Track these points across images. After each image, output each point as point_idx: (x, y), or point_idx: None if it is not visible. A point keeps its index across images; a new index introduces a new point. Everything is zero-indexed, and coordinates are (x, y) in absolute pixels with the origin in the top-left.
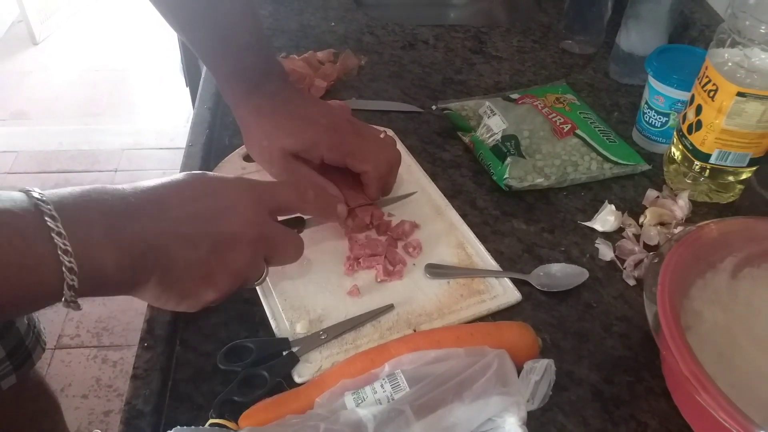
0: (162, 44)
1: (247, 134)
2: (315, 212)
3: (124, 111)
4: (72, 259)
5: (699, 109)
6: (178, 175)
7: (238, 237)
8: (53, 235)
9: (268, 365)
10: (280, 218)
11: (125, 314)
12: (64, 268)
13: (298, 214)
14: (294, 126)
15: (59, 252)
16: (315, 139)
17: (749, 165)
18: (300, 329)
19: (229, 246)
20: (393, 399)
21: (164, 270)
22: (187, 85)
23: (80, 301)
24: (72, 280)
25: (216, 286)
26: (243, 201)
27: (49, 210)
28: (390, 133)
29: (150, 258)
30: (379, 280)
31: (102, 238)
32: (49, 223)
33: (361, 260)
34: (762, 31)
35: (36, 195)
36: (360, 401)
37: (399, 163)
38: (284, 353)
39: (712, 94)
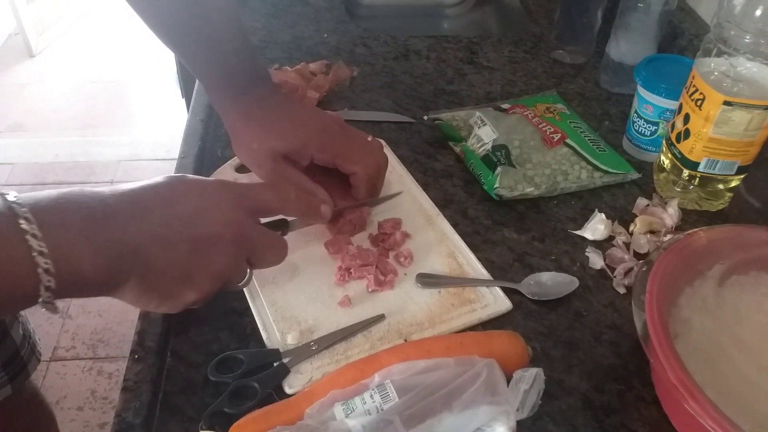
0: (158, 56)
1: (236, 139)
2: (297, 213)
3: (120, 122)
4: (48, 261)
5: (687, 118)
6: (158, 178)
7: (217, 237)
8: (28, 237)
9: (258, 376)
10: (263, 221)
11: (121, 326)
12: (40, 270)
13: (281, 216)
14: (283, 127)
15: (34, 253)
16: (305, 140)
17: (737, 173)
18: (291, 340)
19: (209, 247)
20: (382, 409)
21: (143, 271)
22: (183, 97)
23: (74, 314)
24: (48, 281)
25: (196, 287)
26: (222, 202)
27: (24, 212)
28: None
29: (128, 259)
30: (370, 290)
31: (79, 240)
32: (23, 225)
33: (352, 270)
34: (747, 40)
35: (10, 198)
36: (349, 412)
37: (386, 165)
38: (275, 364)
39: (699, 103)
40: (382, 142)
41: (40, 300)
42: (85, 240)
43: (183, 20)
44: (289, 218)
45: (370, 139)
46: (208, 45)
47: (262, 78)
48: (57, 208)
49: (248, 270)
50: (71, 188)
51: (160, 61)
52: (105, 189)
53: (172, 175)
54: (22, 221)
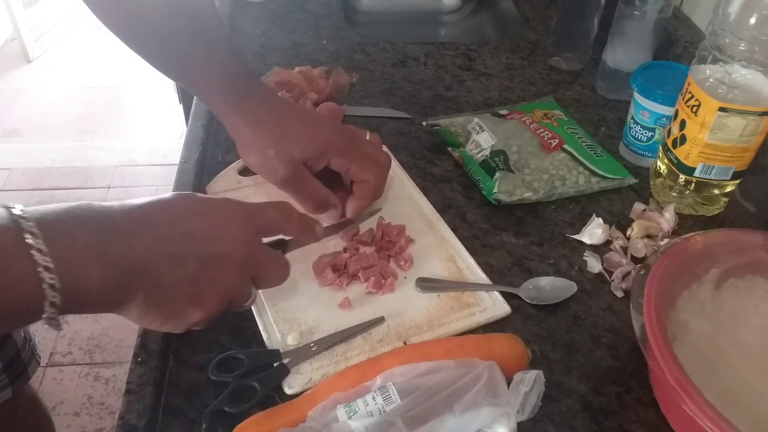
0: None
1: (244, 144)
2: (298, 233)
3: (117, 128)
4: (54, 276)
5: (683, 124)
6: (166, 195)
7: (226, 257)
8: (33, 251)
9: (258, 376)
10: (263, 241)
11: (118, 331)
12: (45, 285)
13: (281, 236)
14: (299, 133)
15: (40, 269)
16: (324, 145)
17: (733, 178)
18: (291, 341)
19: (218, 265)
20: (384, 411)
21: (150, 288)
22: (180, 102)
23: (70, 319)
24: (54, 296)
25: (203, 306)
26: (231, 221)
27: (30, 227)
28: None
29: (136, 275)
30: (367, 291)
31: (86, 255)
32: (28, 240)
33: (360, 274)
34: (741, 48)
35: (17, 212)
36: (352, 414)
37: (390, 164)
38: (275, 365)
39: (695, 109)
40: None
41: (44, 316)
42: (93, 255)
43: (178, 31)
44: (287, 238)
45: (368, 137)
46: (206, 50)
47: (256, 80)
48: (64, 222)
49: (253, 289)
50: (80, 202)
51: None
52: (114, 204)
53: (180, 192)
54: (27, 236)
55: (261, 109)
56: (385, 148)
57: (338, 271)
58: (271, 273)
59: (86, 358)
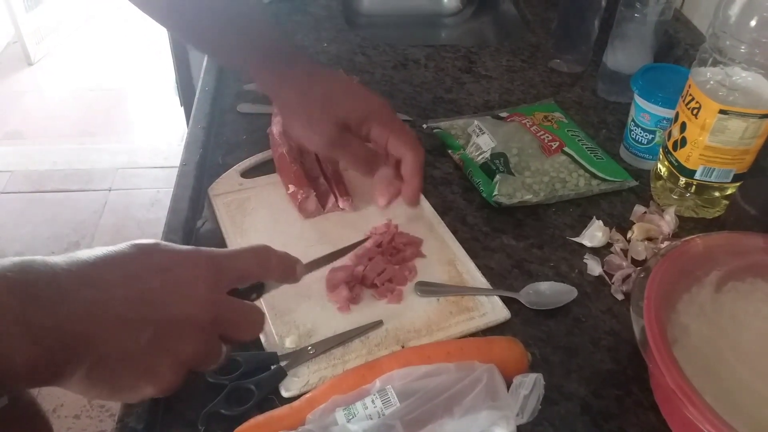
0: (156, 64)
1: (292, 113)
2: (276, 277)
3: (118, 130)
4: None
5: (683, 127)
6: (125, 247)
7: (188, 322)
8: None
9: (255, 379)
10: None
11: None
12: None
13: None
14: (346, 98)
15: None
16: (367, 112)
17: (733, 180)
18: (289, 344)
19: (177, 334)
20: (384, 414)
21: (94, 363)
22: (181, 105)
23: None
24: None
25: (158, 380)
26: (198, 277)
27: None
28: None
29: (75, 350)
30: (376, 297)
31: (12, 330)
32: None
33: (375, 281)
34: (742, 50)
35: None
36: (351, 417)
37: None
38: (272, 367)
39: (695, 111)
40: None
41: None
42: (21, 330)
43: (219, 12)
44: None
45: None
46: (248, 25)
47: (300, 52)
48: None
49: (223, 348)
50: (21, 260)
51: (159, 69)
52: (60, 260)
53: (141, 242)
54: None
55: (307, 79)
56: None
57: (352, 285)
58: (243, 331)
59: None
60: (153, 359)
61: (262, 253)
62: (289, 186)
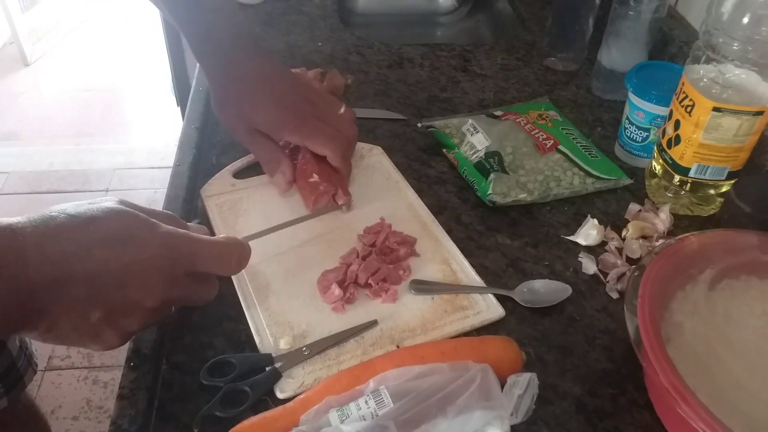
0: (153, 64)
1: (217, 98)
2: (232, 272)
3: (115, 131)
4: None
5: (677, 124)
6: (94, 210)
7: (139, 305)
8: None
9: (250, 381)
10: None
11: None
12: None
13: None
14: (259, 102)
15: None
16: (278, 123)
17: (728, 178)
18: (284, 345)
19: (127, 313)
20: (377, 415)
21: (48, 328)
22: (178, 105)
23: None
24: None
25: (104, 343)
26: (155, 264)
27: None
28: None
29: (33, 319)
30: (370, 296)
31: None
32: None
33: (369, 281)
34: (735, 47)
35: None
36: (344, 418)
37: (356, 140)
38: (267, 369)
39: (689, 109)
40: (379, 148)
41: None
42: None
43: None
44: None
45: (342, 111)
46: (194, 2)
47: (245, 37)
48: None
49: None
50: None
51: (155, 69)
52: (28, 225)
53: (114, 207)
54: None
55: (236, 66)
56: (382, 153)
57: (345, 284)
58: (192, 303)
59: (85, 361)
60: (101, 330)
61: (225, 249)
62: (314, 174)
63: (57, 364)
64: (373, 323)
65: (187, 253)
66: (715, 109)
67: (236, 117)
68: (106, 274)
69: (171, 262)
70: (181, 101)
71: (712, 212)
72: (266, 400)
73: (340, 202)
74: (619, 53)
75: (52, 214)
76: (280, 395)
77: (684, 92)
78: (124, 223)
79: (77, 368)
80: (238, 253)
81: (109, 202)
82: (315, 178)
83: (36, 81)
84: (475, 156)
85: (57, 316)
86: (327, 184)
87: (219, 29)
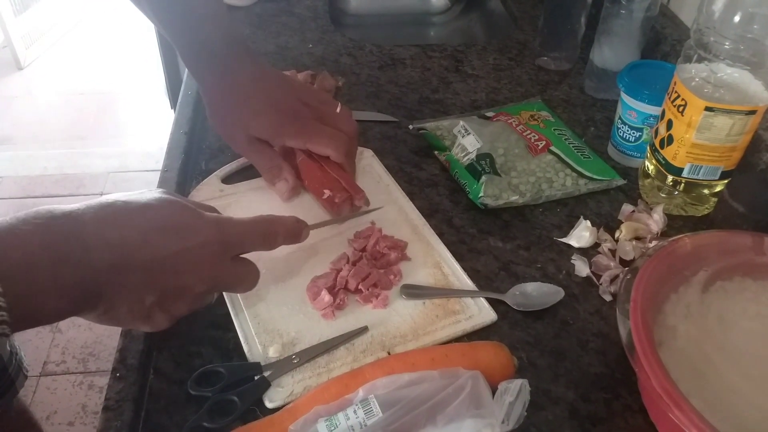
0: (147, 67)
1: (212, 109)
2: (282, 244)
3: (109, 134)
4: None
5: (670, 124)
6: (150, 198)
7: (188, 290)
8: None
9: (238, 390)
10: None
11: (112, 339)
12: None
13: None
14: (257, 110)
15: None
16: (277, 128)
17: (721, 178)
18: (273, 353)
19: (176, 297)
20: (366, 425)
21: (105, 311)
22: (172, 108)
23: (64, 327)
24: (2, 315)
25: (154, 325)
26: (206, 250)
27: None
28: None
29: (93, 302)
30: (360, 302)
31: (45, 284)
32: None
33: (359, 287)
34: (726, 46)
35: None
36: (333, 428)
37: (356, 134)
38: (256, 378)
39: (681, 109)
40: (370, 151)
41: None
42: (53, 284)
43: None
44: None
45: (338, 109)
46: (183, 10)
47: (237, 43)
48: (27, 245)
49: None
50: (51, 212)
51: (149, 73)
52: (88, 212)
53: (165, 197)
54: None
55: (231, 75)
56: (372, 156)
57: (335, 290)
58: (236, 289)
59: (80, 366)
60: (152, 313)
61: (270, 228)
62: (324, 191)
63: (52, 369)
64: (363, 330)
65: (236, 235)
66: (708, 109)
67: (233, 125)
68: (161, 260)
69: (221, 247)
70: (175, 104)
71: (705, 212)
72: (254, 409)
73: (357, 204)
74: (612, 52)
75: (109, 200)
76: (269, 405)
77: (676, 92)
78: (175, 212)
79: (72, 373)
80: (283, 228)
81: (157, 192)
82: (327, 194)
83: (29, 85)
84: (466, 158)
85: (114, 300)
86: (340, 193)
87: (212, 38)
